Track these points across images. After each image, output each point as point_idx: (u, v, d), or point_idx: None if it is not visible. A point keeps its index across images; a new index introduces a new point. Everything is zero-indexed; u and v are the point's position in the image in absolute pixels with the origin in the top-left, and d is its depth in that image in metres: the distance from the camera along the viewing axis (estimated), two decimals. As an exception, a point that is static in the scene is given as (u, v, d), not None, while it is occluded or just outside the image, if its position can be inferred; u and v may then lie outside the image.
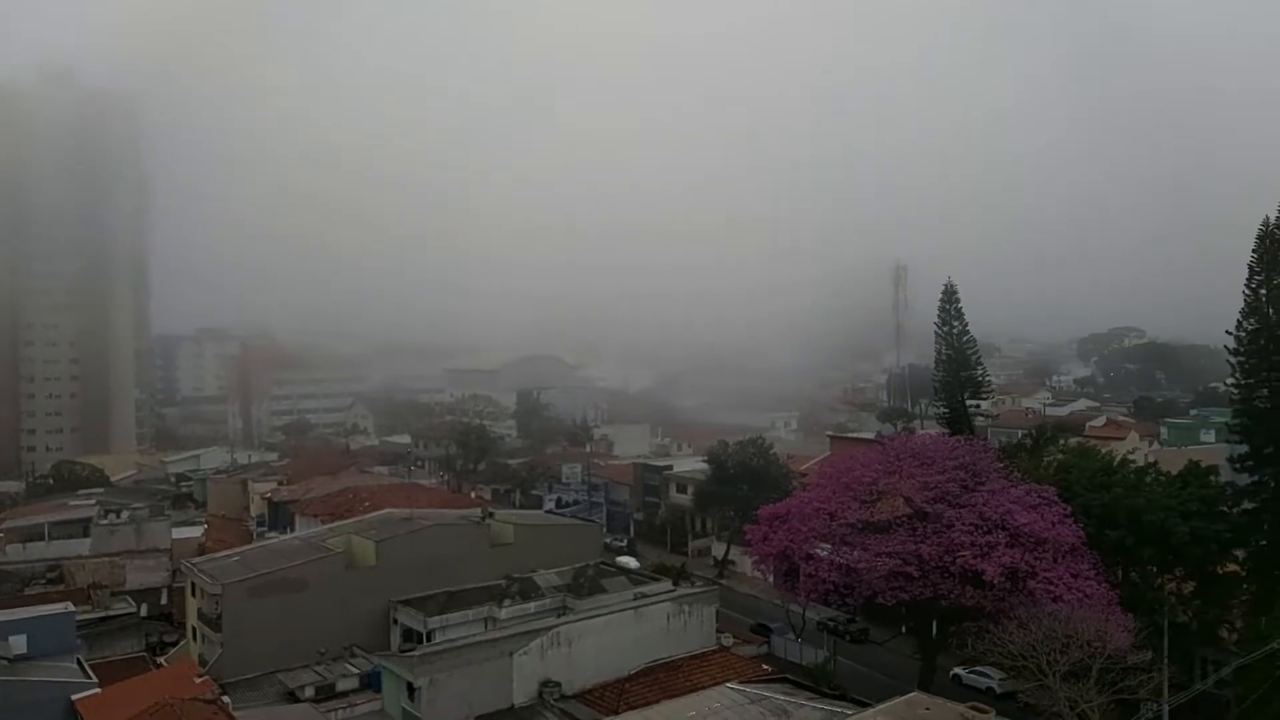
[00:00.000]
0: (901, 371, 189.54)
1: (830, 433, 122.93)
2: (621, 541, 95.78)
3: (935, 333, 68.40)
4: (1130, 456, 61.39)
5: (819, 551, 52.91)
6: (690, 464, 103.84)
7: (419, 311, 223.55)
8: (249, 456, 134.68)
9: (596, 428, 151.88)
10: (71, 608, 47.74)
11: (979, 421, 71.71)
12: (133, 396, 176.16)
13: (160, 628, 59.99)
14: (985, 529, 47.71)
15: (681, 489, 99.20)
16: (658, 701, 40.32)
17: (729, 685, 40.92)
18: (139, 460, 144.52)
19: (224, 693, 40.81)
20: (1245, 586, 51.45)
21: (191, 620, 53.46)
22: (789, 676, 45.63)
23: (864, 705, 37.29)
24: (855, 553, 50.44)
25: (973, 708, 34.24)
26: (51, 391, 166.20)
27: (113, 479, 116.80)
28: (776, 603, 64.64)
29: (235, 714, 38.03)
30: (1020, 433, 74.06)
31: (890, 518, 51.61)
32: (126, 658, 49.88)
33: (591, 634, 44.09)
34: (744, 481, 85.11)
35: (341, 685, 44.50)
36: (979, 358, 68.72)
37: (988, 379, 70.24)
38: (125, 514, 79.01)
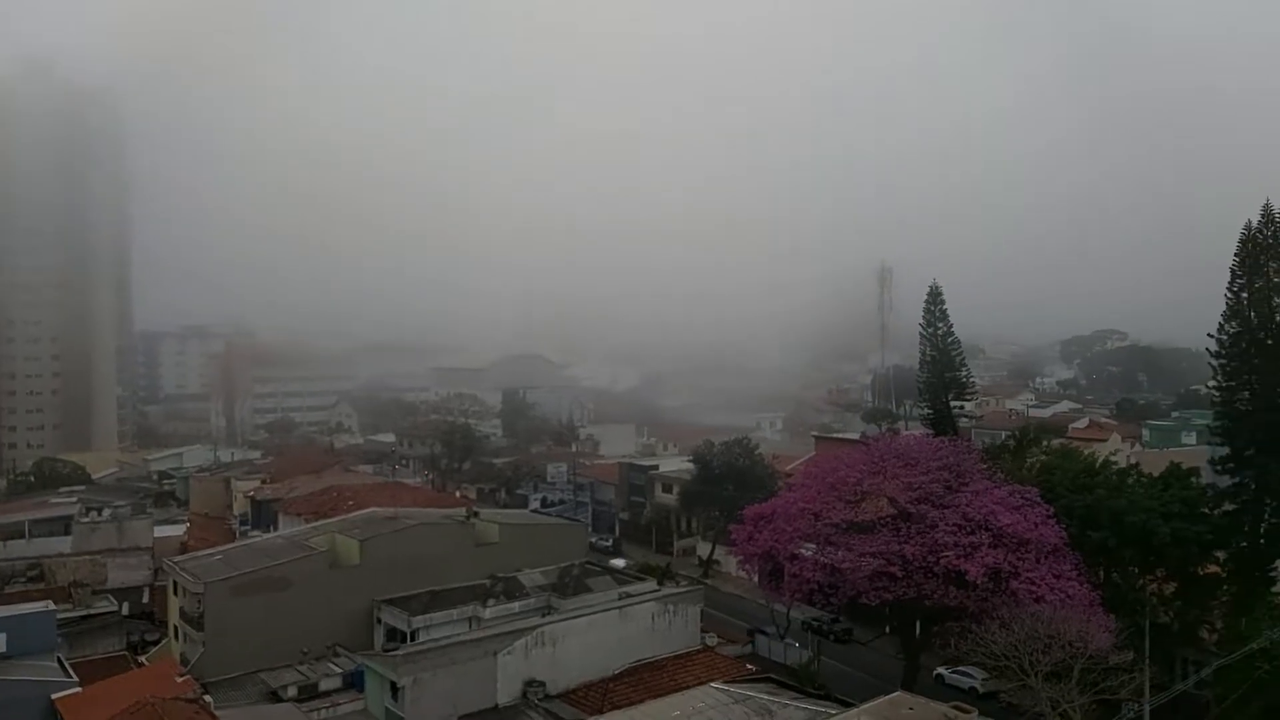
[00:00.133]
0: (886, 372, 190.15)
1: (815, 433, 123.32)
2: (607, 541, 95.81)
3: (920, 334, 68.68)
4: (1112, 458, 61.77)
5: (803, 551, 53.05)
6: (676, 464, 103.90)
7: (418, 311, 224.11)
8: (232, 454, 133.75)
9: (582, 427, 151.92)
10: (52, 606, 47.22)
11: (963, 423, 72.01)
12: (115, 393, 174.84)
13: (142, 626, 59.54)
14: (969, 529, 47.93)
15: (667, 489, 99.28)
16: (642, 701, 40.32)
17: (713, 685, 40.95)
18: (121, 458, 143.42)
19: (206, 692, 40.53)
20: (1225, 588, 51.85)
21: (173, 619, 53.11)
22: (773, 676, 45.70)
23: (848, 705, 37.35)
24: (839, 553, 50.58)
25: (956, 707, 34.39)
26: (33, 388, 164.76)
27: (94, 476, 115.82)
28: (761, 602, 64.72)
29: (217, 713, 37.78)
30: (1004, 434, 74.36)
31: (874, 518, 51.82)
32: (107, 656, 49.45)
33: (576, 634, 44.06)
34: (729, 481, 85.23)
35: (324, 685, 44.23)
36: (963, 359, 69.03)
37: (972, 380, 70.56)
38: (107, 512, 78.26)
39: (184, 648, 49.99)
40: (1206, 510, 51.73)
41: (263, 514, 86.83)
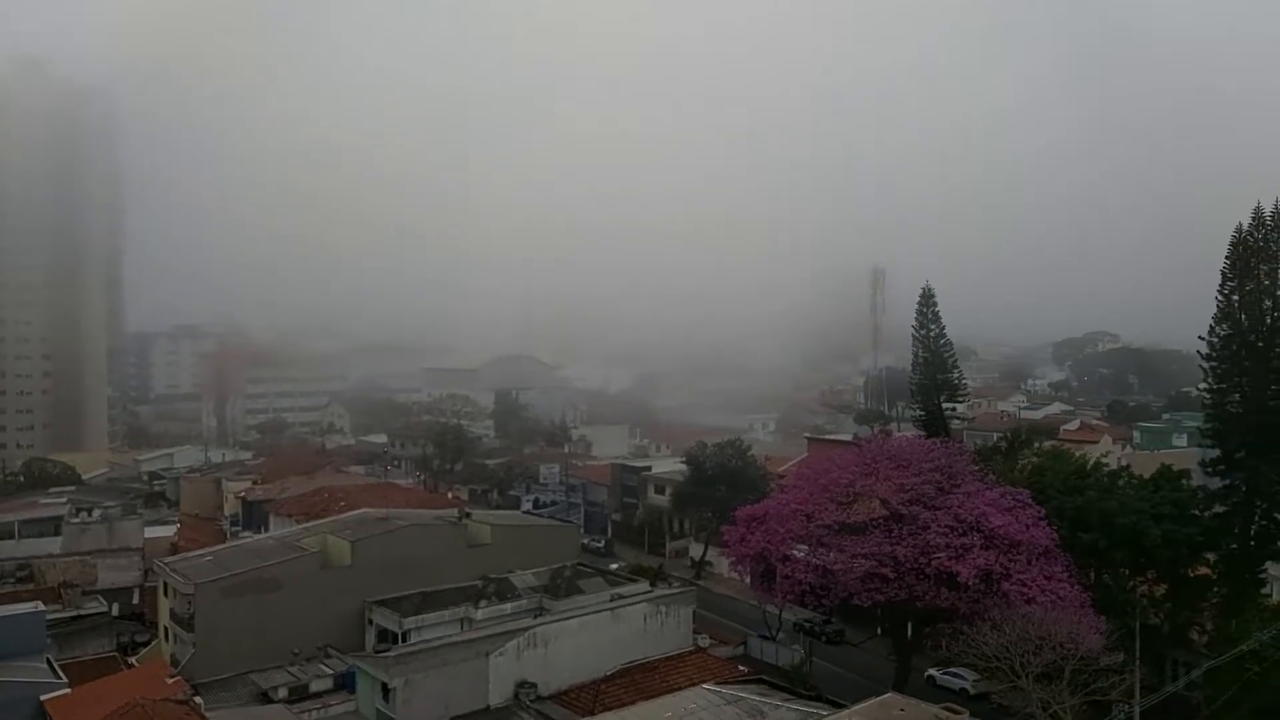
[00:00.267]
0: (879, 374, 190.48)
1: (808, 434, 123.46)
2: (599, 542, 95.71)
3: (913, 336, 68.79)
4: (1103, 460, 62.05)
5: (796, 553, 53.10)
6: (668, 465, 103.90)
7: (418, 311, 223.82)
8: (223, 455, 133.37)
9: (575, 428, 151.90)
10: (41, 607, 47.05)
11: (955, 424, 72.12)
12: (105, 393, 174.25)
13: (132, 627, 59.40)
14: (960, 531, 48.03)
15: (659, 490, 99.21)
16: (634, 703, 40.27)
17: (705, 686, 40.92)
18: (111, 458, 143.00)
19: (196, 693, 40.34)
20: (1216, 589, 52.09)
21: (164, 620, 52.87)
22: (765, 677, 45.61)
23: (839, 706, 37.37)
24: (831, 554, 50.64)
25: (947, 708, 34.44)
26: (23, 388, 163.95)
27: (84, 477, 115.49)
28: (753, 604, 64.75)
29: (207, 715, 37.67)
30: (995, 436, 74.48)
31: (866, 519, 51.91)
32: (97, 658, 49.31)
33: (568, 635, 43.98)
34: (722, 483, 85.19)
35: (315, 686, 44.11)
36: (955, 361, 69.07)
37: (964, 382, 70.65)
38: (97, 512, 77.97)
39: (174, 649, 49.81)
40: (1197, 512, 51.93)
41: (254, 515, 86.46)
